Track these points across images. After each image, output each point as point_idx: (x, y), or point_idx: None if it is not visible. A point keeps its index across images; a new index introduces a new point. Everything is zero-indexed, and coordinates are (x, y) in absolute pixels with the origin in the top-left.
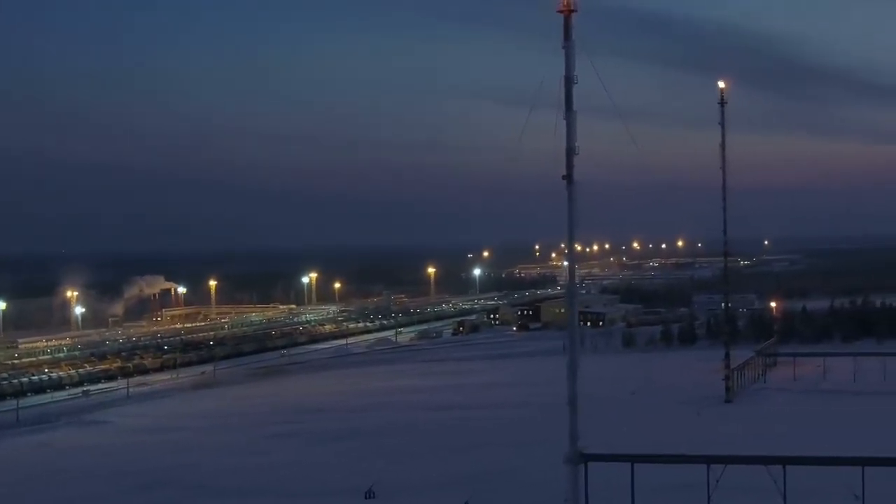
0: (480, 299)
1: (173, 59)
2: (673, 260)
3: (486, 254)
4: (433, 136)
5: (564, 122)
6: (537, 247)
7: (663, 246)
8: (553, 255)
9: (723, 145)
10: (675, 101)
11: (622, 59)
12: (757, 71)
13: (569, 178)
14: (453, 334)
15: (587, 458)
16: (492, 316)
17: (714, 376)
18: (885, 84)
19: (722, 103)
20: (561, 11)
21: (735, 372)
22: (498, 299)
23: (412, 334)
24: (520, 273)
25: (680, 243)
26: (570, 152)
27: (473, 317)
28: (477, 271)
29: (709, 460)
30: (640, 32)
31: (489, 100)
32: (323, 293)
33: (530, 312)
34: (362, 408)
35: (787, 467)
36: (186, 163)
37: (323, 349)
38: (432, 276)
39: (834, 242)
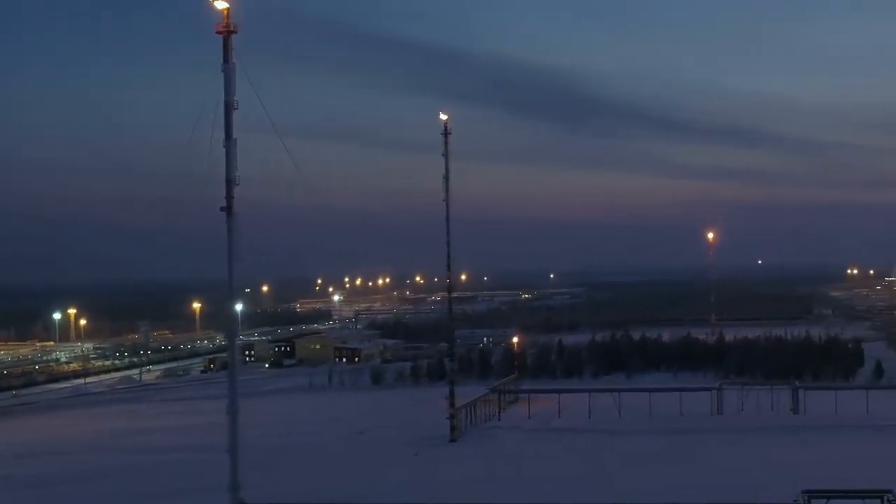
0: (246, 335)
1: None
2: (455, 294)
3: (265, 288)
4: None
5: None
6: (319, 281)
7: (448, 280)
8: (330, 289)
9: (446, 177)
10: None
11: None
12: (549, 105)
13: (228, 209)
14: (202, 372)
15: None
16: (246, 352)
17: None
18: (676, 119)
19: (445, 134)
20: (220, 32)
21: (466, 410)
22: (259, 335)
23: (158, 372)
24: (299, 307)
25: (463, 277)
26: (230, 183)
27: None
28: (239, 306)
29: None
30: (426, 66)
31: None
32: (88, 330)
33: (286, 348)
34: (67, 451)
35: None
36: None
37: (60, 388)
38: (198, 311)
39: (622, 275)
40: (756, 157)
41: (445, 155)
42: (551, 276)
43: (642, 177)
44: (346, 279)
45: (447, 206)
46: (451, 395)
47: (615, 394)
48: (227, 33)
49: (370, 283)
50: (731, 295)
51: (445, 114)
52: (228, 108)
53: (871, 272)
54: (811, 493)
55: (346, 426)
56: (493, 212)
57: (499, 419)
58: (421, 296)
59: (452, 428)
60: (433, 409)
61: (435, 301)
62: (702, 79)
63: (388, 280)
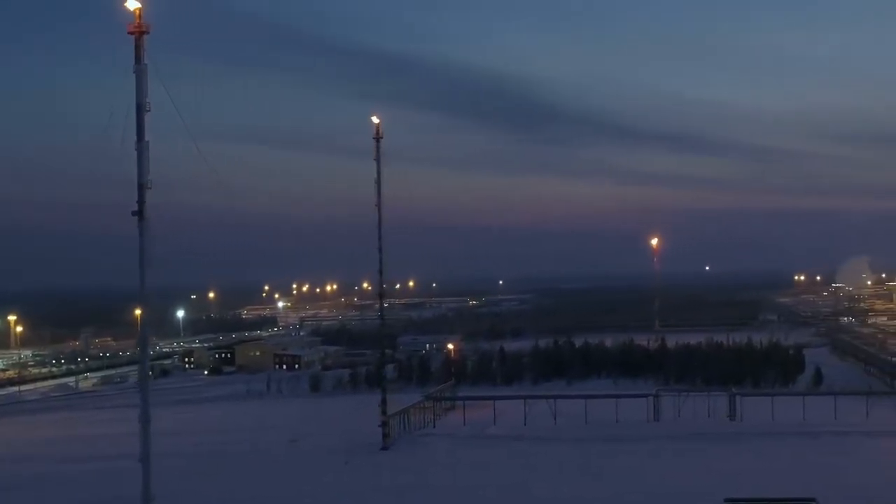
0: (187, 342)
1: None
2: (403, 300)
3: (211, 294)
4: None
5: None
6: (266, 287)
7: (397, 286)
8: (276, 295)
9: (378, 182)
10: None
11: (355, 99)
12: (500, 112)
13: (140, 213)
14: None
15: None
16: (186, 359)
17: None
18: (626, 125)
19: (377, 138)
20: (132, 33)
21: (400, 417)
22: (201, 342)
23: (95, 380)
24: (245, 314)
25: (411, 283)
26: (142, 187)
27: (168, 361)
28: (181, 313)
29: None
30: (377, 73)
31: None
32: (27, 337)
33: (227, 355)
34: None
35: None
36: None
37: None
38: (139, 317)
39: (572, 282)
40: (705, 163)
41: (377, 160)
42: (500, 282)
43: (593, 183)
44: (294, 286)
45: (379, 211)
46: (384, 402)
47: (551, 400)
48: (140, 33)
49: (317, 290)
50: (678, 301)
51: (378, 117)
52: (140, 110)
53: (818, 278)
54: (733, 502)
55: (279, 434)
56: (444, 218)
57: (434, 426)
58: (368, 302)
59: (385, 435)
60: (368, 417)
61: (382, 307)
62: (652, 86)
63: (335, 287)
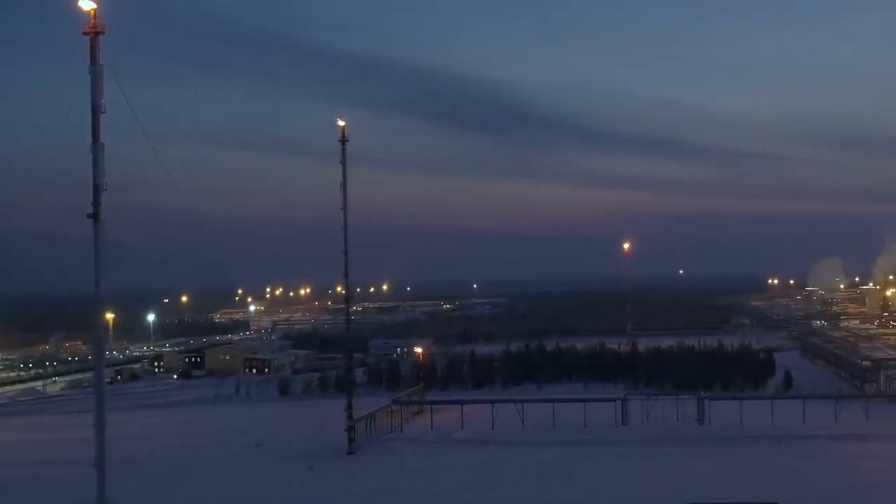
0: (158, 346)
1: None
2: (377, 303)
3: (184, 298)
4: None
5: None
6: (240, 291)
7: (371, 289)
8: (249, 299)
9: (344, 185)
10: (395, 145)
11: (330, 103)
12: (473, 116)
13: (95, 216)
14: (110, 383)
15: None
16: (156, 363)
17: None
18: (599, 129)
19: (343, 141)
20: (86, 33)
21: (366, 421)
22: (171, 346)
23: (63, 384)
24: (218, 318)
25: (385, 287)
26: (97, 188)
27: (138, 365)
28: (151, 316)
29: None
30: (351, 76)
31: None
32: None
33: (196, 359)
34: None
35: None
36: None
37: None
38: (111, 321)
39: (546, 285)
40: (678, 167)
41: (343, 163)
42: (474, 286)
43: (567, 187)
44: (268, 289)
45: (344, 214)
46: (350, 406)
47: (519, 404)
48: (95, 34)
49: (291, 294)
50: (651, 305)
51: (343, 120)
52: (96, 111)
53: (791, 282)
54: None
55: (245, 438)
56: (418, 222)
57: (401, 431)
58: (341, 306)
59: (350, 440)
60: (336, 421)
61: (356, 311)
62: (625, 89)
63: (308, 290)
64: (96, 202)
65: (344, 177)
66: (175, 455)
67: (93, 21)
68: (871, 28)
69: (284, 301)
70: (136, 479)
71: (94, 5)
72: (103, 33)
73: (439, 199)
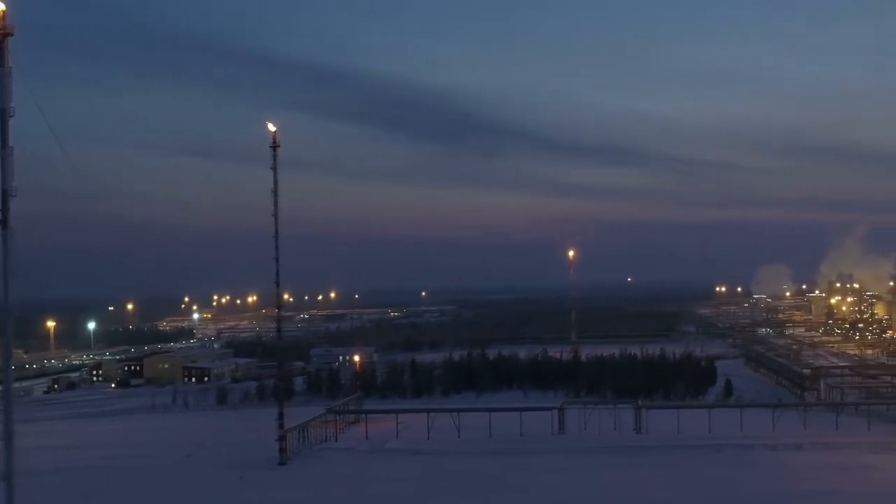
0: (99, 354)
1: None
2: (325, 312)
3: (130, 306)
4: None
5: None
6: (186, 299)
7: (320, 297)
8: (194, 307)
9: (275, 191)
10: (348, 153)
11: (282, 111)
12: (428, 124)
13: (4, 222)
14: (46, 392)
15: None
16: (95, 372)
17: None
18: (553, 137)
19: (274, 147)
20: None
21: (299, 431)
22: (111, 354)
23: None
24: (165, 326)
25: (333, 294)
26: (6, 194)
27: (76, 373)
28: (92, 325)
29: None
30: (304, 84)
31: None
32: None
33: (136, 368)
34: None
35: None
36: None
37: None
38: (52, 330)
39: (499, 293)
40: (627, 175)
41: (274, 168)
42: (423, 294)
43: (518, 195)
44: (216, 297)
45: (276, 220)
46: (281, 416)
47: (455, 414)
48: (3, 36)
49: (239, 302)
50: (599, 313)
51: (274, 125)
52: (4, 115)
53: (739, 289)
54: None
55: (177, 448)
56: (369, 229)
57: (336, 440)
58: (289, 314)
59: (281, 450)
60: (271, 431)
61: (303, 319)
62: (574, 98)
63: (255, 298)
64: (4, 208)
65: (275, 183)
66: (104, 465)
67: (1, 23)
68: (818, 40)
69: (232, 309)
70: (53, 491)
71: (2, 7)
72: (12, 35)
73: (390, 206)
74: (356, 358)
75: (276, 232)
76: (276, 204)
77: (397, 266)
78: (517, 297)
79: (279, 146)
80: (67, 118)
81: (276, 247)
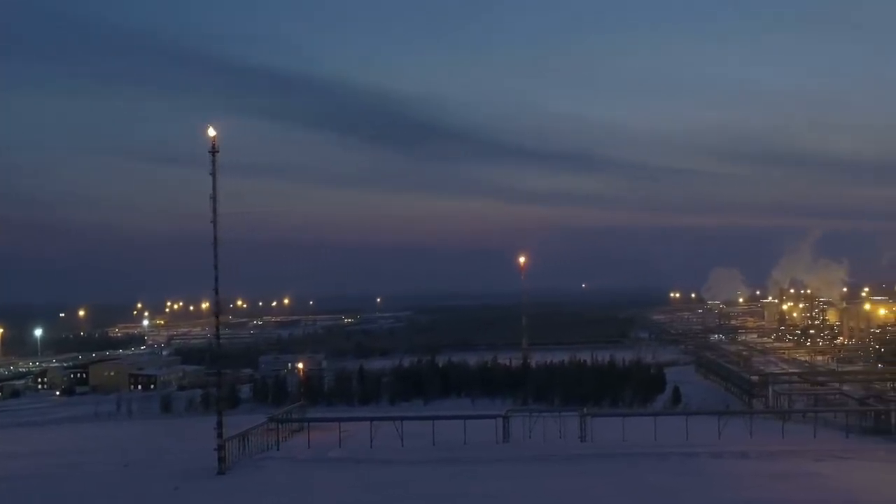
0: (46, 361)
1: None
2: (278, 318)
3: (81, 312)
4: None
5: None
6: (139, 305)
7: (274, 303)
8: (145, 314)
9: (214, 197)
10: (304, 159)
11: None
12: (385, 130)
13: None
14: None
15: None
16: (39, 379)
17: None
18: (512, 144)
19: (213, 151)
20: None
21: (239, 440)
22: (57, 361)
23: None
24: (116, 332)
25: (286, 300)
26: None
27: (21, 381)
28: (39, 331)
29: None
30: (260, 90)
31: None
32: None
33: (81, 375)
34: None
35: None
36: None
37: None
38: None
39: (456, 300)
40: (586, 181)
41: (213, 174)
42: (377, 300)
43: (480, 201)
44: (168, 303)
45: (215, 227)
46: (220, 425)
47: (398, 422)
48: None
49: (192, 308)
50: (552, 319)
51: (215, 129)
52: None
53: (693, 295)
54: None
55: (115, 457)
56: (325, 235)
57: (277, 449)
58: (242, 320)
59: (220, 459)
60: (213, 439)
61: (256, 325)
62: (532, 104)
63: (208, 304)
64: None
65: (214, 188)
66: (39, 474)
67: None
68: (775, 45)
69: (186, 315)
70: None
71: None
72: None
73: (347, 212)
74: (300, 365)
75: (215, 238)
76: (214, 210)
77: (354, 272)
78: (474, 304)
79: (218, 151)
80: (16, 123)
81: (216, 255)
